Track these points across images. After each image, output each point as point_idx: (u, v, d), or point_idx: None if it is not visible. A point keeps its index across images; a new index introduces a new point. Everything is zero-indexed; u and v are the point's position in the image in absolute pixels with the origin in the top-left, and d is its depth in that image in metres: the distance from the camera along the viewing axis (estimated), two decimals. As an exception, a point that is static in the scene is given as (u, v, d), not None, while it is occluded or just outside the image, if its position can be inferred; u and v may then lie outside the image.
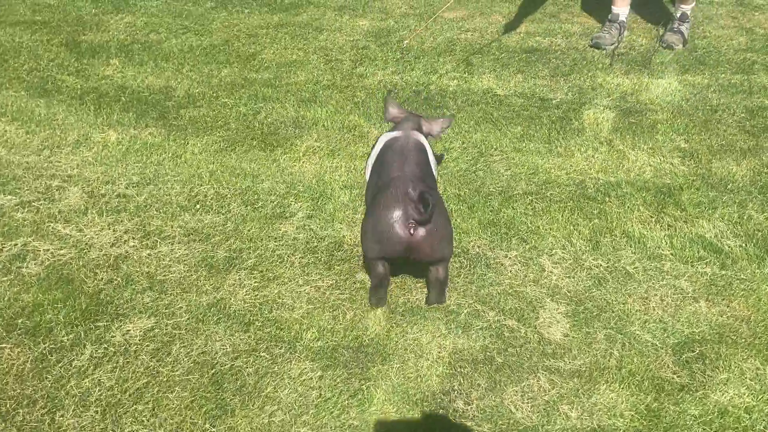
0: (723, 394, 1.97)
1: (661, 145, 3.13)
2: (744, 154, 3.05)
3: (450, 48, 4.04)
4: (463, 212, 2.74)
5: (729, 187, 2.84)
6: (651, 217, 2.70)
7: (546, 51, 3.97)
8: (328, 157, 3.11)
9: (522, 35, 4.16)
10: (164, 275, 2.47)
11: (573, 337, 2.19)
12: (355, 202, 2.80)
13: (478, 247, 2.56)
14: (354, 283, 2.40)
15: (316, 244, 2.60)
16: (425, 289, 2.36)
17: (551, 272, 2.45)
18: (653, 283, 2.39)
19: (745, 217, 2.66)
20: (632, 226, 2.65)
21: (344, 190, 2.88)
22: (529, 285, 2.40)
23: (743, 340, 2.15)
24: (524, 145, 3.18)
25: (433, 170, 2.41)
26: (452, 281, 2.42)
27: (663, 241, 2.57)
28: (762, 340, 2.14)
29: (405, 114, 2.61)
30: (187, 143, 3.22)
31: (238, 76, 3.83)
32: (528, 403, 1.97)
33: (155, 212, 2.77)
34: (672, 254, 2.51)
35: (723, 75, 3.64)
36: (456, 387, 2.03)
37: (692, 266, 2.45)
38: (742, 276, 2.39)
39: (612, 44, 3.81)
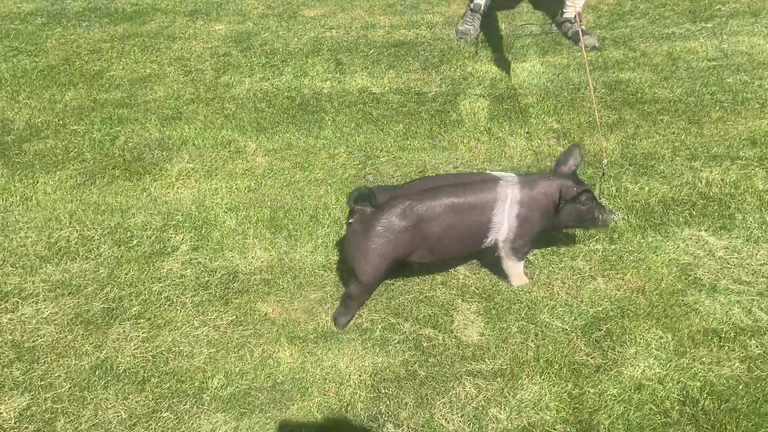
0: (635, 369, 2.04)
1: (536, 128, 3.22)
2: (610, 129, 3.21)
3: (317, 48, 3.90)
4: (359, 220, 2.63)
5: (604, 162, 2.98)
6: (539, 201, 2.76)
7: (413, 43, 3.95)
8: (205, 179, 2.87)
9: (387, 29, 4.11)
10: (33, 341, 2.14)
11: (489, 335, 2.17)
12: (243, 225, 2.60)
13: (381, 255, 2.47)
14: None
15: (207, 278, 2.38)
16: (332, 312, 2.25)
17: (457, 270, 2.42)
18: (553, 268, 2.43)
19: (622, 190, 2.80)
20: (524, 212, 2.69)
21: (229, 214, 2.66)
22: (439, 288, 2.35)
23: (642, 311, 2.24)
24: (408, 142, 3.13)
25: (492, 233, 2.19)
26: (360, 296, 2.31)
27: (555, 223, 2.63)
28: (658, 308, 2.25)
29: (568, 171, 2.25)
30: (37, 182, 2.82)
31: (86, 99, 3.43)
32: (458, 413, 1.92)
33: (10, 268, 2.39)
34: (564, 235, 2.58)
35: (579, 53, 3.83)
36: (383, 410, 1.93)
37: (584, 245, 2.53)
38: (630, 248, 2.50)
39: (476, 34, 3.86)
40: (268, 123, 3.24)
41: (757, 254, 2.44)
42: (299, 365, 2.06)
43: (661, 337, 2.14)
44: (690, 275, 2.37)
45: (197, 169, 2.92)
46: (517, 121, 3.28)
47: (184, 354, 2.11)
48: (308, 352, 2.11)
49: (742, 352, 2.07)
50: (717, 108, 3.31)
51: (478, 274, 2.41)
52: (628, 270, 2.41)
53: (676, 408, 1.92)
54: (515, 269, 2.31)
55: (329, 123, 3.24)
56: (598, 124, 3.15)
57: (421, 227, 2.07)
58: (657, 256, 2.46)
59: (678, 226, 2.59)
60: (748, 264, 2.40)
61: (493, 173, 2.23)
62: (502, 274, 2.34)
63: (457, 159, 3.02)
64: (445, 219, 2.09)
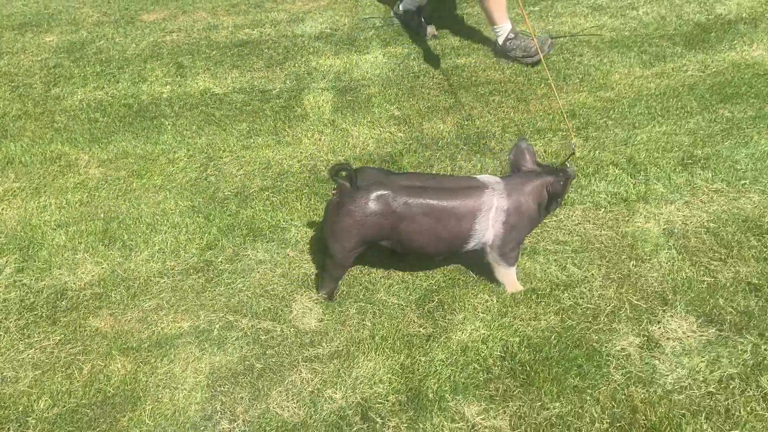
0: (462, 333, 2.16)
1: (378, 117, 3.32)
2: (447, 112, 3.37)
3: (156, 52, 3.80)
4: (201, 224, 2.61)
5: (440, 144, 3.12)
6: (379, 186, 2.85)
7: (257, 42, 3.94)
8: (32, 198, 2.72)
9: (231, 29, 4.07)
10: None
11: (327, 320, 2.23)
12: (74, 240, 2.50)
13: (223, 255, 2.46)
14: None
15: (32, 299, 2.27)
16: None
17: (298, 262, 2.46)
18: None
19: (456, 168, 2.95)
20: (364, 198, 2.77)
21: (59, 230, 2.55)
22: (280, 281, 2.38)
23: (472, 279, 2.38)
24: (252, 140, 3.13)
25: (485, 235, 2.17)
26: (199, 298, 2.29)
27: (393, 206, 2.73)
28: (485, 275, 2.38)
29: (535, 168, 2.22)
30: None
31: None
32: (293, 399, 1.96)
33: None
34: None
35: (419, 42, 3.98)
36: (218, 408, 1.93)
37: (421, 223, 2.65)
38: (461, 222, 2.64)
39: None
40: (102, 133, 3.12)
41: (572, 215, 2.65)
42: (131, 376, 2.02)
43: (486, 301, 2.28)
44: (514, 241, 2.54)
45: (24, 188, 2.77)
46: (360, 111, 3.36)
47: (8, 380, 2.00)
48: (142, 362, 2.06)
49: (556, 305, 2.25)
50: (542, 85, 3.55)
51: (318, 262, 2.46)
52: (460, 242, 2.54)
53: (498, 364, 2.06)
54: (509, 276, 2.29)
55: (169, 127, 3.17)
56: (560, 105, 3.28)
57: (392, 220, 2.11)
58: (485, 226, 2.60)
59: (505, 196, 2.76)
60: (564, 225, 2.61)
61: (480, 178, 2.21)
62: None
63: (301, 153, 3.06)
64: (421, 220, 2.11)
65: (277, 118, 3.29)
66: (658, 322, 2.16)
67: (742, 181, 2.77)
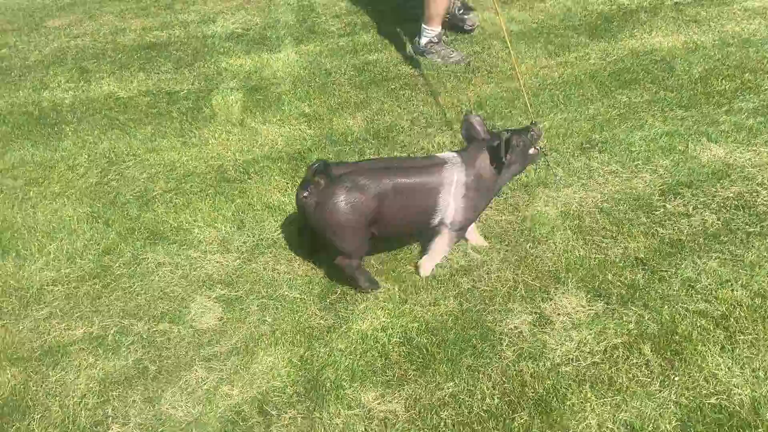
0: (363, 323, 2.19)
1: (288, 114, 3.32)
2: (357, 108, 3.40)
3: (60, 58, 3.69)
4: (99, 229, 2.55)
5: (349, 139, 3.15)
6: (287, 183, 2.85)
7: (166, 44, 3.88)
8: None
9: (138, 32, 4.00)
10: None
11: (227, 318, 2.21)
12: (-38, 253, 2.41)
13: (121, 260, 2.41)
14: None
15: None
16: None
17: (200, 263, 2.43)
18: (292, 243, 2.53)
19: (364, 162, 2.98)
20: (272, 196, 2.77)
21: (-53, 244, 2.45)
22: (179, 282, 2.35)
23: (375, 270, 2.40)
24: (157, 143, 3.08)
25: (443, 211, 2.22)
26: (94, 304, 2.24)
27: (299, 202, 2.73)
28: (388, 265, 2.42)
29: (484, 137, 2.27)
30: None
31: None
32: (187, 398, 1.94)
33: None
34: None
35: (331, 40, 4.00)
36: (110, 413, 1.90)
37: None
38: (367, 214, 2.67)
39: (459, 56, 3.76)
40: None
41: (474, 202, 2.71)
42: (21, 386, 1.96)
43: (389, 290, 2.31)
44: (418, 230, 2.58)
45: None
46: (270, 110, 3.35)
47: None
48: (32, 371, 2.01)
49: (456, 290, 2.29)
50: (452, 78, 3.62)
51: (222, 262, 2.44)
52: (365, 234, 2.57)
53: (396, 350, 2.09)
54: (440, 254, 2.34)
55: (70, 133, 3.09)
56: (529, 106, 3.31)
57: (376, 201, 2.13)
58: (390, 217, 2.64)
59: (411, 187, 2.81)
60: (467, 212, 2.66)
61: (440, 155, 2.27)
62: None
63: (207, 153, 3.03)
64: (395, 199, 2.15)
65: (183, 120, 3.24)
66: (550, 300, 2.24)
67: (636, 162, 2.89)
